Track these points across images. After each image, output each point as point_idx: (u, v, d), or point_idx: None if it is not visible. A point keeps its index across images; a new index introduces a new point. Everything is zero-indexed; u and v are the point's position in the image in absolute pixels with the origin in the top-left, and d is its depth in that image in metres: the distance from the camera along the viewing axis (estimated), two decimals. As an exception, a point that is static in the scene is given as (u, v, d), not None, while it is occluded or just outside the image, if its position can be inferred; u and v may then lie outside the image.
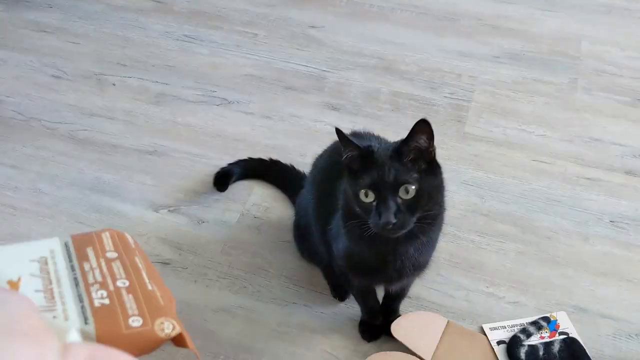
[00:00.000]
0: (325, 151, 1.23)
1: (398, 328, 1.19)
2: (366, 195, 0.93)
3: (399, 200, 0.92)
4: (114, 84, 1.80)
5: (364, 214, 0.95)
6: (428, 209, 0.94)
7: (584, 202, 1.47)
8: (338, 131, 0.97)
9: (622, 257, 1.37)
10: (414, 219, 0.93)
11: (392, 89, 1.76)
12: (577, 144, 1.59)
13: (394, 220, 0.91)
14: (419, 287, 1.28)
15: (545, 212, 1.45)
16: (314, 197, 1.19)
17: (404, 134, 1.55)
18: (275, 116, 1.70)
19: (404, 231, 0.93)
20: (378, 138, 1.17)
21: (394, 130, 1.62)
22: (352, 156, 0.96)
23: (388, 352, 1.18)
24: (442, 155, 1.57)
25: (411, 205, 0.92)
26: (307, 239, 1.26)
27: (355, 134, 1.18)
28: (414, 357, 1.17)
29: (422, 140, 0.93)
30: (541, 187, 1.50)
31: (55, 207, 1.49)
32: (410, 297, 1.27)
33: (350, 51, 1.88)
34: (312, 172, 1.24)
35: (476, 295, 1.31)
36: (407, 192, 0.92)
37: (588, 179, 1.51)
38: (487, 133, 1.63)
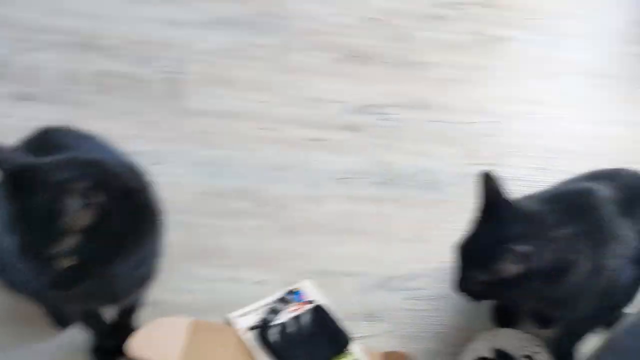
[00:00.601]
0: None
1: (134, 345, 1.04)
2: None
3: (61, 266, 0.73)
4: None
5: None
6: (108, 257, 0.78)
7: (312, 163, 1.46)
8: None
9: (352, 211, 1.40)
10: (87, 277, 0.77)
11: (96, 68, 1.54)
12: (297, 106, 1.58)
13: (52, 288, 0.74)
14: (155, 292, 1.14)
15: (276, 181, 1.41)
16: (7, 212, 0.96)
17: (116, 118, 1.38)
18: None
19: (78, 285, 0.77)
20: (87, 138, 0.98)
21: (105, 116, 1.43)
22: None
23: (130, 373, 1.04)
24: (162, 137, 1.44)
25: (79, 270, 0.74)
26: (5, 266, 1.03)
27: (50, 132, 0.96)
28: (161, 371, 1.04)
29: (75, 200, 0.72)
30: (269, 155, 1.46)
31: None
32: (149, 305, 1.12)
33: (38, 28, 1.60)
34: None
35: (220, 284, 1.22)
36: (66, 261, 0.74)
37: (312, 139, 1.51)
38: (208, 106, 1.52)
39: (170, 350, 1.06)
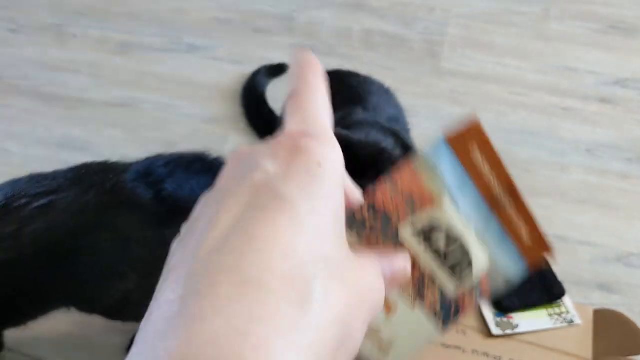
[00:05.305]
0: None
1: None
2: None
3: None
4: (74, 35, 1.72)
5: None
6: None
7: (561, 132, 1.47)
8: None
9: (598, 184, 1.39)
10: None
11: (364, 26, 1.72)
12: (551, 75, 1.59)
13: None
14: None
15: (523, 145, 1.45)
16: None
17: (378, 72, 1.54)
18: (246, 61, 1.65)
19: None
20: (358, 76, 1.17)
21: (368, 70, 1.60)
22: None
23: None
24: (416, 93, 1.57)
25: None
26: None
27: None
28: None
29: None
30: (518, 119, 1.50)
31: (26, 166, 1.44)
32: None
33: (318, -11, 1.82)
34: None
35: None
36: None
37: (563, 109, 1.52)
38: (463, 68, 1.61)
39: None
